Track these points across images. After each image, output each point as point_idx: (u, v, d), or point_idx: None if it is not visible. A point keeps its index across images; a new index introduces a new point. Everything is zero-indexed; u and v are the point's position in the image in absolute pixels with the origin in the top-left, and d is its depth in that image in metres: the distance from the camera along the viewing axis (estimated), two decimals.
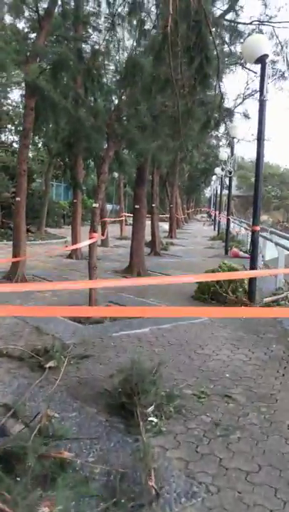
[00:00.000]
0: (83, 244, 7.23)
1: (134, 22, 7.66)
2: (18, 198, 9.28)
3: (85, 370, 4.56)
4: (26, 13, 10.51)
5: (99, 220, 7.11)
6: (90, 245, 7.02)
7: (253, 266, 7.44)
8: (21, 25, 11.26)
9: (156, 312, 5.25)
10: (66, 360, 4.73)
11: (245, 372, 4.66)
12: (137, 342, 5.53)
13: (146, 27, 7.75)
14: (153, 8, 8.16)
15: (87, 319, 6.62)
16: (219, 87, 5.81)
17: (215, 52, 5.01)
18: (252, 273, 6.39)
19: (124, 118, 7.73)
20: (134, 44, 7.17)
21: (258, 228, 7.29)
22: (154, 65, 5.42)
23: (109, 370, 4.49)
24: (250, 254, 7.76)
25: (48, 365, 4.54)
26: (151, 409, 3.55)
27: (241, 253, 14.81)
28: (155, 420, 3.48)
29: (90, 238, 6.96)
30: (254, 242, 7.40)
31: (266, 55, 6.46)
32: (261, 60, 6.47)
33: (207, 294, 7.87)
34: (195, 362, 4.89)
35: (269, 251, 12.45)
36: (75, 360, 4.80)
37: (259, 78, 6.71)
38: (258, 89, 7.53)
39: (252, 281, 7.47)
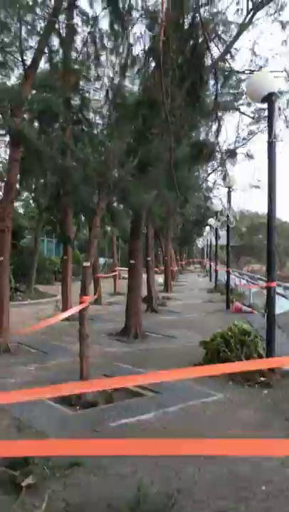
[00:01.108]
0: (73, 310, 6.26)
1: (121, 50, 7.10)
2: (1, 258, 8.34)
3: (73, 487, 3.44)
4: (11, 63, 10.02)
5: (90, 281, 6.16)
6: (80, 310, 6.02)
7: (270, 328, 6.44)
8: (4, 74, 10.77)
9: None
10: (49, 472, 3.62)
11: (287, 479, 3.56)
12: (140, 435, 4.41)
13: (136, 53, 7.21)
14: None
15: (78, 400, 5.54)
16: (217, 118, 5.02)
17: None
18: (273, 361, 5.33)
19: (116, 166, 6.98)
20: (118, 71, 6.53)
21: (274, 284, 6.35)
22: (142, 89, 4.67)
23: (106, 487, 3.39)
24: (265, 313, 6.78)
25: (24, 484, 3.42)
26: None
27: (244, 307, 13.80)
28: None
29: (80, 302, 5.98)
30: (270, 301, 6.44)
31: (274, 94, 5.79)
32: (268, 98, 5.80)
33: (217, 361, 6.79)
34: (217, 467, 3.77)
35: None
36: (61, 472, 3.66)
37: (267, 118, 6.00)
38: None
39: (270, 345, 6.44)
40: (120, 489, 3.39)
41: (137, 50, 7.70)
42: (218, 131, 5.23)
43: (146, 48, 4.85)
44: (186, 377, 5.06)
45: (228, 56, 8.14)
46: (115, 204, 9.86)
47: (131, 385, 3.89)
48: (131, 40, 7.87)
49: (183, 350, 8.39)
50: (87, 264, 6.03)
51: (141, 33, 7.64)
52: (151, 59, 3.89)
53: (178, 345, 8.91)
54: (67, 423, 4.69)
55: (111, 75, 7.64)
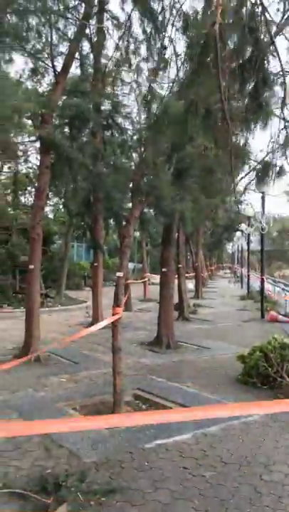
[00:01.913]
0: (105, 322, 6.02)
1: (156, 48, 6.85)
2: (31, 266, 8.22)
3: None
4: (42, 69, 9.95)
5: (123, 292, 5.91)
6: (113, 322, 5.78)
7: None
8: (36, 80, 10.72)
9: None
10: (83, 498, 3.39)
11: None
12: (178, 459, 4.13)
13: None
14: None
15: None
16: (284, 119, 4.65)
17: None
18: None
19: (151, 173, 6.73)
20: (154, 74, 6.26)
21: None
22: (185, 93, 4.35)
23: None
24: None
25: None
26: None
27: (281, 317, 13.30)
28: None
29: (113, 314, 5.74)
30: None
31: None
32: None
33: (256, 378, 6.45)
34: (265, 499, 3.46)
35: None
36: (96, 499, 3.43)
37: None
38: None
39: None
40: None
41: (169, 53, 7.49)
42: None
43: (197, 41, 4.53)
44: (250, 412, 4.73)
45: None
46: (145, 210, 9.63)
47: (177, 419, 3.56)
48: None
49: (218, 363, 8.06)
50: (120, 274, 5.79)
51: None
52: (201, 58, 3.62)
53: (213, 357, 8.58)
54: (101, 442, 4.44)
55: (146, 80, 7.42)
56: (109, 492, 3.53)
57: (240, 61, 3.65)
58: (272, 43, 3.62)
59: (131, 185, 6.38)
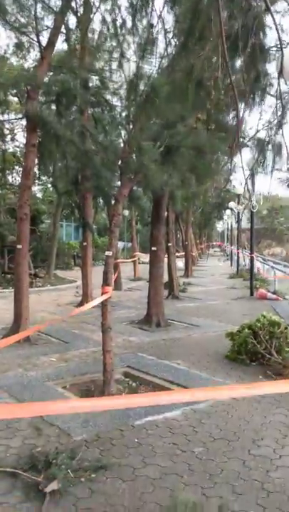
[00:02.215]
0: (96, 302, 6.00)
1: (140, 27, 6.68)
2: (19, 246, 8.13)
3: (101, 494, 3.22)
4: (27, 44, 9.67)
5: (112, 271, 5.88)
6: (102, 302, 5.76)
7: None
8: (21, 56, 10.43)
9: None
10: (74, 476, 3.42)
11: None
12: (168, 436, 4.18)
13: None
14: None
15: (101, 395, 5.35)
16: (280, 97, 4.51)
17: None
18: None
19: (139, 151, 6.62)
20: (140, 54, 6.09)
21: None
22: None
23: (135, 493, 3.17)
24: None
25: (48, 490, 3.22)
26: None
27: (269, 294, 13.42)
28: None
29: (102, 293, 5.72)
30: None
31: None
32: None
33: (245, 354, 6.52)
34: (253, 473, 3.51)
35: None
36: (86, 475, 3.46)
37: None
38: None
39: None
40: (151, 496, 3.17)
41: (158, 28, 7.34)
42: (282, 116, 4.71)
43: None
44: (251, 393, 4.76)
45: None
46: (135, 187, 9.52)
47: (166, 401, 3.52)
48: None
49: (208, 340, 8.13)
50: (109, 253, 5.75)
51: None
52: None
53: (202, 335, 8.64)
54: (91, 420, 4.47)
55: (133, 55, 7.24)
56: (100, 468, 3.56)
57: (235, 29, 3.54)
58: (268, 9, 3.50)
59: (120, 162, 6.25)
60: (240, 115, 5.47)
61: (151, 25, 7.56)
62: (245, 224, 28.24)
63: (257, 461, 3.70)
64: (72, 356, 7.02)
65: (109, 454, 3.81)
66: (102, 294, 5.65)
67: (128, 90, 6.71)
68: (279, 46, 3.70)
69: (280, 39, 3.46)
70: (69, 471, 3.46)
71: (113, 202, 7.77)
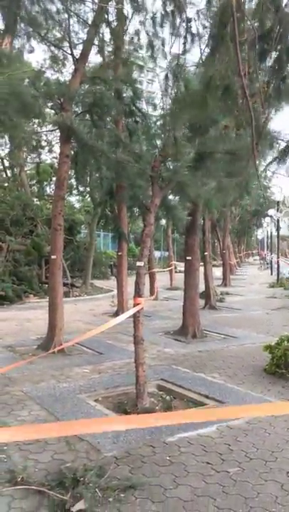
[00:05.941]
0: (129, 313, 5.88)
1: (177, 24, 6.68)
2: (53, 256, 8.17)
3: None
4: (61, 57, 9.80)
5: (144, 282, 5.76)
6: (134, 313, 5.64)
7: None
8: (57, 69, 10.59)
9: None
10: (102, 495, 3.30)
11: None
12: (201, 454, 4.00)
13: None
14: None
15: (134, 408, 5.23)
16: None
17: None
18: None
19: (171, 159, 6.52)
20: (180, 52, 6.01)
21: None
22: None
23: None
24: None
25: (75, 510, 3.11)
26: None
27: None
28: None
29: (134, 304, 5.61)
30: None
31: None
32: None
33: (285, 368, 6.25)
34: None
35: None
36: (115, 495, 3.34)
37: None
38: None
39: None
40: None
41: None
42: None
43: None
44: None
45: None
46: (171, 197, 9.42)
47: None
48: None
49: (246, 352, 7.86)
50: (140, 264, 5.65)
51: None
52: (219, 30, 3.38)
53: (240, 347, 8.38)
54: (121, 436, 4.34)
55: (168, 60, 7.21)
56: (129, 488, 3.43)
57: (260, 33, 3.40)
58: None
59: (151, 172, 6.16)
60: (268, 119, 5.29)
61: (188, 23, 7.58)
62: (285, 231, 27.62)
63: None
64: (105, 368, 6.93)
65: (139, 473, 3.67)
66: (134, 305, 5.55)
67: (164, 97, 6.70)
68: None
69: None
70: (97, 489, 3.35)
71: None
